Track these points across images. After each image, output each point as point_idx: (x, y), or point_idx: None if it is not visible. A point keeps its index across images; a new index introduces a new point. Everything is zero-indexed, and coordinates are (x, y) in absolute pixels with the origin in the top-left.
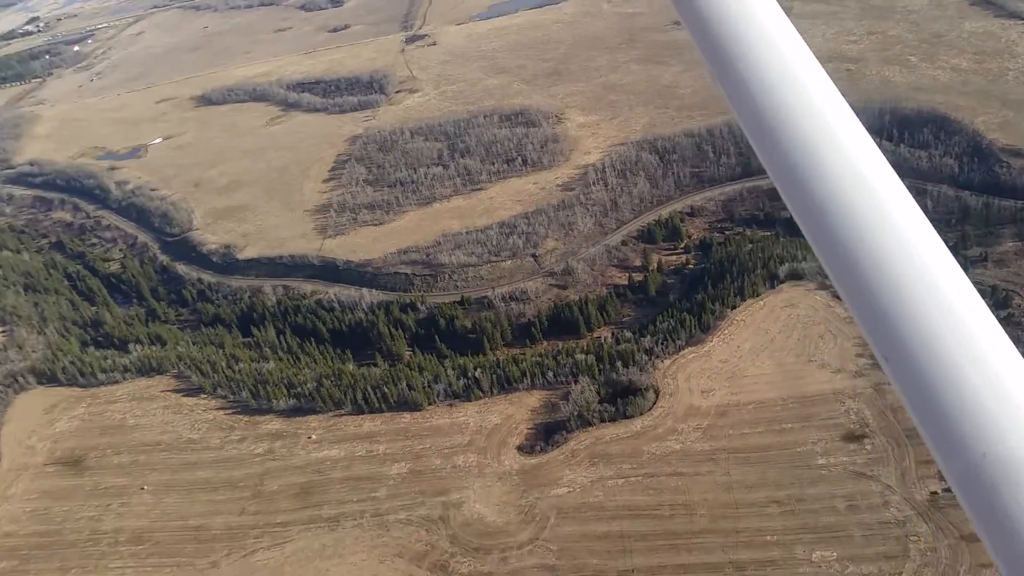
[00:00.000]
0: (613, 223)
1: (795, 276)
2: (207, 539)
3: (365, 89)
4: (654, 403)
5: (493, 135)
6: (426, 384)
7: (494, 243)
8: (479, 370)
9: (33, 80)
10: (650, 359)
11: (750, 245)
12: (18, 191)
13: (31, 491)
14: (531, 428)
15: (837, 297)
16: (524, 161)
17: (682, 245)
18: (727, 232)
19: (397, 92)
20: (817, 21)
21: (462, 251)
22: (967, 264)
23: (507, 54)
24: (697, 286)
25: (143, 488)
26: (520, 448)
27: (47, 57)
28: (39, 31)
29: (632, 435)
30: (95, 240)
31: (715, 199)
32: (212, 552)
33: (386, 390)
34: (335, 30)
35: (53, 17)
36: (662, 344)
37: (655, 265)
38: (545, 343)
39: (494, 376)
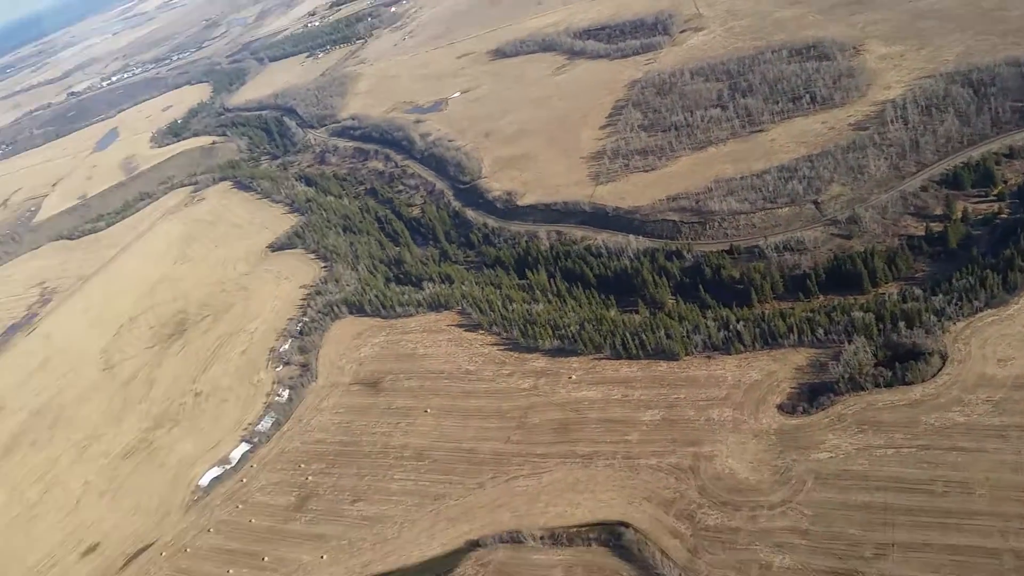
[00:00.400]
0: (912, 166)
1: None
2: (476, 462)
3: (648, 31)
4: (939, 370)
5: (779, 72)
6: (685, 334)
7: (770, 189)
8: (741, 323)
9: (357, 41)
10: (939, 321)
11: None
12: (342, 143)
13: (338, 406)
14: (794, 387)
15: None
16: (812, 99)
17: (995, 192)
18: None
19: (681, 32)
20: None
21: (734, 197)
22: None
23: None
24: (1009, 239)
25: (426, 411)
26: (781, 407)
27: (369, 19)
28: None
29: (909, 403)
30: (401, 187)
31: None
32: (480, 474)
33: (644, 337)
34: None
35: None
36: (956, 304)
37: (959, 214)
38: (821, 297)
39: (757, 330)
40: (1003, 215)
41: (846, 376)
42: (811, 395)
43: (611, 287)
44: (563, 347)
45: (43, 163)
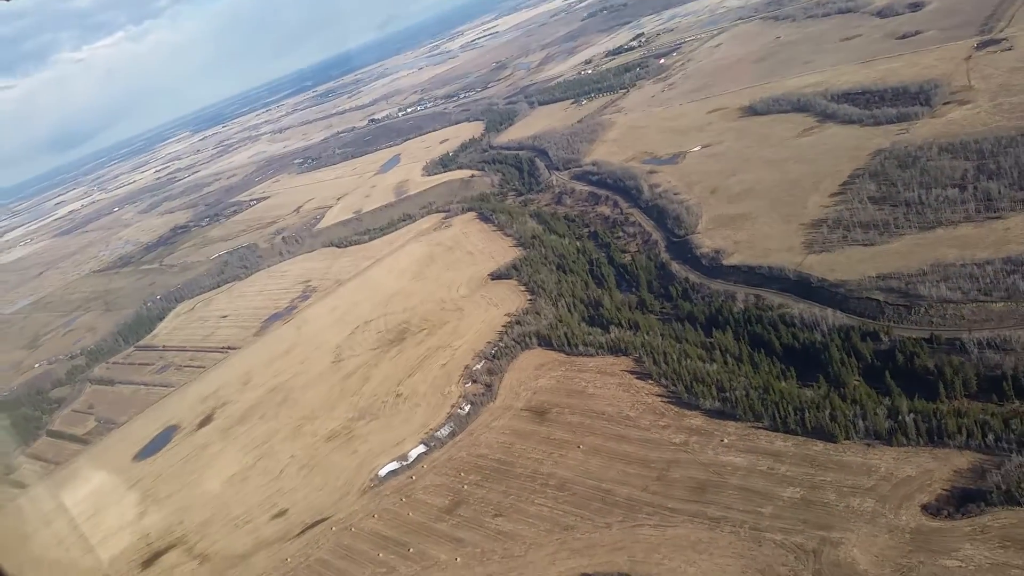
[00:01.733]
0: None
1: None
2: (610, 503)
3: (909, 100)
4: None
5: None
6: (850, 418)
7: (990, 280)
8: (912, 415)
9: (620, 91)
10: None
11: None
12: (579, 186)
13: (506, 427)
14: (946, 489)
15: None
16: None
17: None
18: None
19: (945, 104)
20: None
21: (947, 284)
22: None
23: None
24: None
25: (579, 446)
26: (925, 507)
27: (637, 69)
28: (640, 45)
29: None
30: (621, 233)
31: None
32: (610, 515)
33: (807, 414)
34: (904, 36)
35: (655, 32)
36: None
37: None
38: (1016, 403)
39: (926, 425)
40: None
41: (1003, 487)
42: (961, 500)
43: (796, 359)
44: (724, 409)
45: (335, 179)
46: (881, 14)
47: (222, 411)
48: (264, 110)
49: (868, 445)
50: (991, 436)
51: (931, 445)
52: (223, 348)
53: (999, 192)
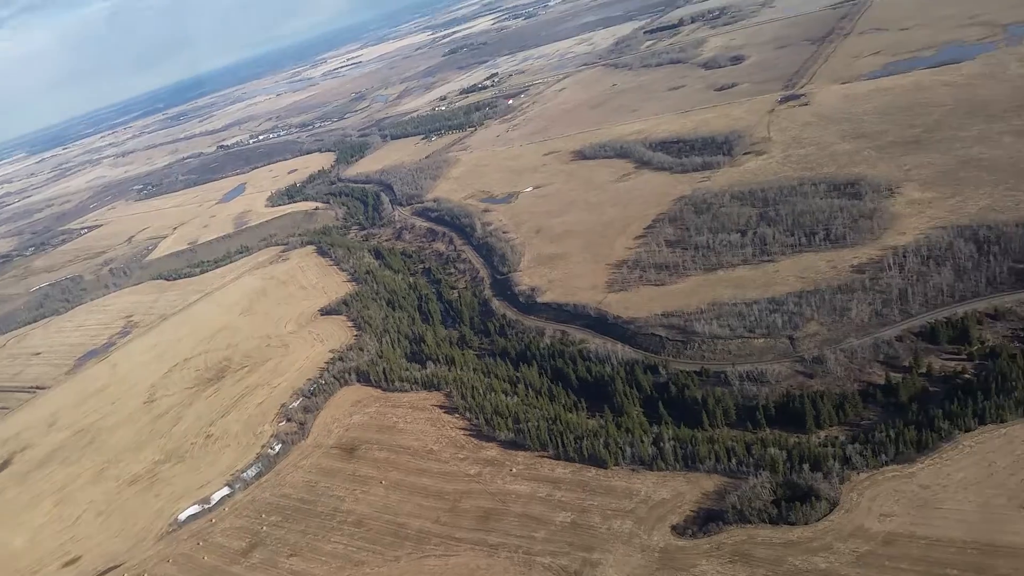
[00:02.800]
0: (896, 315)
1: None
2: (402, 536)
3: (715, 149)
4: (824, 515)
5: (809, 205)
6: (620, 445)
7: (755, 318)
8: (672, 441)
9: (468, 129)
10: (843, 468)
11: (1016, 363)
12: (419, 222)
13: (314, 466)
14: (694, 511)
15: None
16: (827, 236)
17: (969, 351)
18: None
19: (745, 154)
20: None
21: (719, 322)
22: None
23: (875, 117)
24: (955, 400)
25: (382, 482)
26: (674, 527)
27: (486, 109)
28: (493, 85)
29: (784, 543)
30: (453, 270)
31: None
32: (401, 548)
33: (585, 442)
34: (722, 88)
35: (508, 73)
36: (868, 455)
37: (924, 368)
38: (768, 431)
39: (682, 451)
40: (965, 375)
41: (738, 507)
42: (705, 520)
43: (589, 391)
44: (517, 440)
45: (175, 207)
46: (707, 66)
47: (22, 455)
48: (110, 132)
49: (633, 470)
50: (734, 460)
51: (686, 469)
52: (31, 387)
53: (774, 237)
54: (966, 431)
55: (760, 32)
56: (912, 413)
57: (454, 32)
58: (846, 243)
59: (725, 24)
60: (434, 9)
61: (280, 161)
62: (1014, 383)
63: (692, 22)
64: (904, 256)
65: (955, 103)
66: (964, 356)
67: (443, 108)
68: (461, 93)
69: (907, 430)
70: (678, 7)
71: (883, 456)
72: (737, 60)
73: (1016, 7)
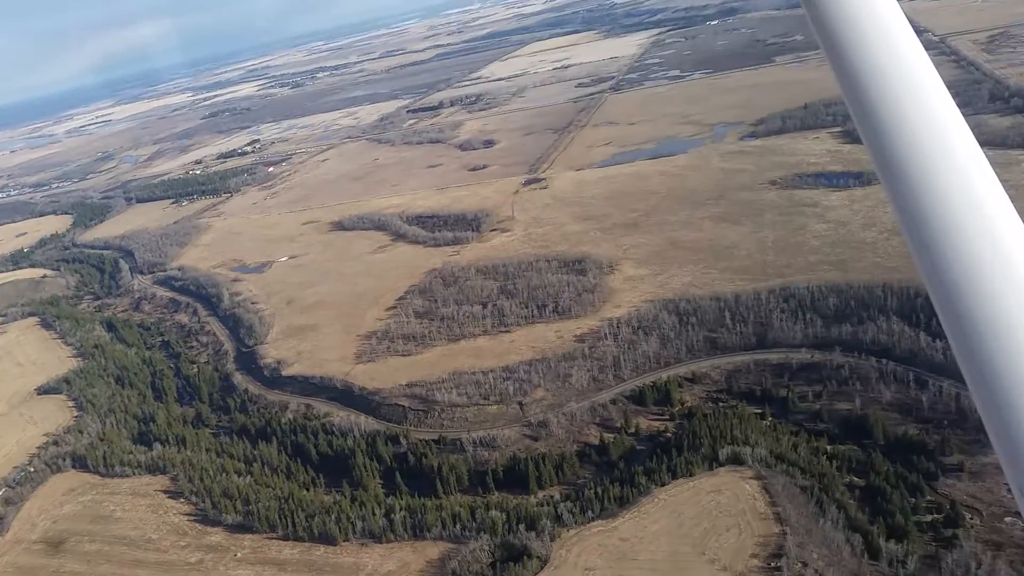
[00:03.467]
0: (611, 379)
1: (736, 460)
2: None
3: (466, 226)
4: (536, 573)
5: (543, 280)
6: (351, 520)
7: (490, 386)
8: (402, 512)
9: (224, 195)
10: (554, 526)
11: (706, 422)
12: (161, 291)
13: (11, 564)
14: None
15: (767, 490)
16: (556, 308)
17: (671, 411)
18: (720, 403)
19: (492, 230)
20: None
21: (458, 391)
22: (939, 470)
23: (602, 202)
24: (653, 457)
25: None
26: None
27: (245, 175)
28: (253, 151)
29: None
30: (195, 343)
31: (721, 368)
32: None
33: (316, 519)
34: (475, 169)
35: (270, 140)
36: (578, 512)
37: (631, 428)
38: (497, 494)
39: (411, 520)
40: (667, 433)
41: (457, 572)
42: None
43: (330, 466)
44: (245, 523)
45: None
46: (462, 147)
47: None
48: None
49: (363, 545)
50: (459, 526)
51: (415, 539)
52: None
53: (511, 309)
54: (661, 485)
55: (511, 119)
56: (619, 471)
57: (216, 95)
58: (571, 315)
59: (481, 109)
60: (197, 70)
61: (6, 224)
62: (702, 440)
63: (451, 105)
64: (618, 327)
65: (668, 191)
66: (667, 416)
67: (198, 172)
68: (219, 157)
69: (612, 486)
70: (439, 90)
71: (590, 512)
72: (490, 143)
73: (721, 110)
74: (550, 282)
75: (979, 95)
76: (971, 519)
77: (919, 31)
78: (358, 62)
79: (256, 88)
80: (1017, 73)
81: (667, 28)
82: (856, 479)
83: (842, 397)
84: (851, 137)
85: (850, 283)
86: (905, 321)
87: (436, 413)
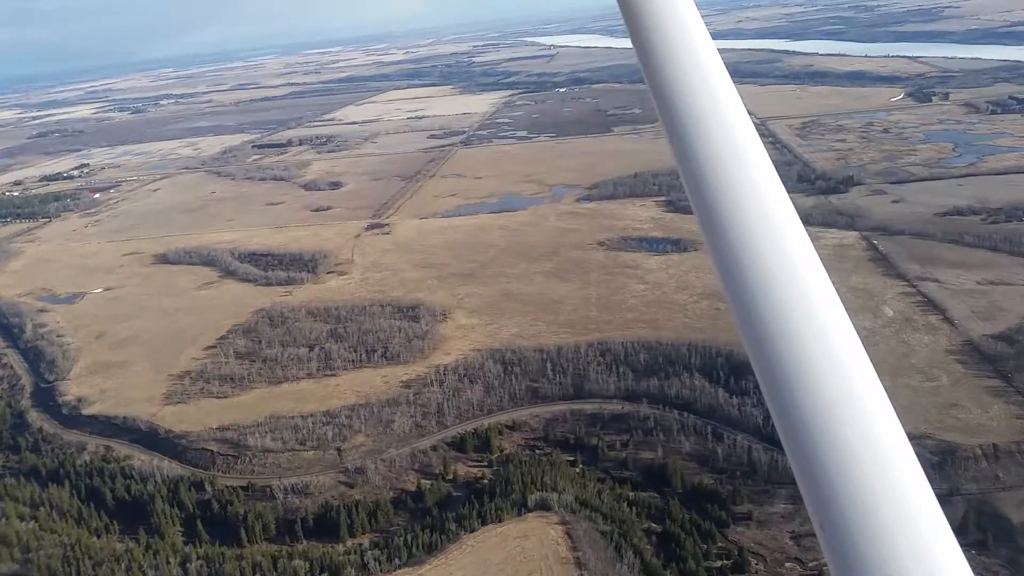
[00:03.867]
0: (434, 426)
1: (544, 506)
2: None
3: (302, 266)
4: None
5: (375, 324)
6: (143, 570)
7: (309, 430)
8: (200, 561)
9: (43, 219)
10: (358, 574)
11: (520, 469)
12: None
13: None
14: None
15: (570, 535)
16: (385, 353)
17: (489, 458)
18: (537, 451)
19: (328, 273)
20: None
21: (273, 435)
22: (730, 518)
23: (442, 251)
24: (466, 504)
25: None
26: None
27: (68, 200)
28: (81, 176)
29: None
30: None
31: (540, 416)
32: None
33: (104, 569)
34: (318, 210)
35: (101, 165)
36: (384, 560)
37: (450, 475)
38: (305, 543)
39: (210, 570)
40: (484, 480)
41: None
42: None
43: (127, 512)
44: (21, 571)
45: None
46: (307, 187)
47: None
48: None
49: None
50: (259, 575)
51: None
52: None
53: (338, 353)
54: (471, 531)
55: (360, 163)
56: (432, 517)
57: (48, 115)
58: (400, 361)
59: (330, 151)
60: (30, 87)
61: None
62: (514, 486)
63: (300, 144)
64: (445, 374)
65: (507, 244)
66: (485, 463)
67: (15, 194)
68: (42, 180)
69: (422, 533)
70: (290, 128)
71: (397, 560)
72: (336, 185)
73: (562, 173)
74: (382, 327)
75: (790, 175)
76: (756, 564)
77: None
78: (206, 92)
79: (93, 111)
80: (823, 158)
81: (519, 91)
82: (654, 525)
83: (647, 447)
84: (674, 206)
85: (660, 340)
86: (706, 378)
87: (247, 458)
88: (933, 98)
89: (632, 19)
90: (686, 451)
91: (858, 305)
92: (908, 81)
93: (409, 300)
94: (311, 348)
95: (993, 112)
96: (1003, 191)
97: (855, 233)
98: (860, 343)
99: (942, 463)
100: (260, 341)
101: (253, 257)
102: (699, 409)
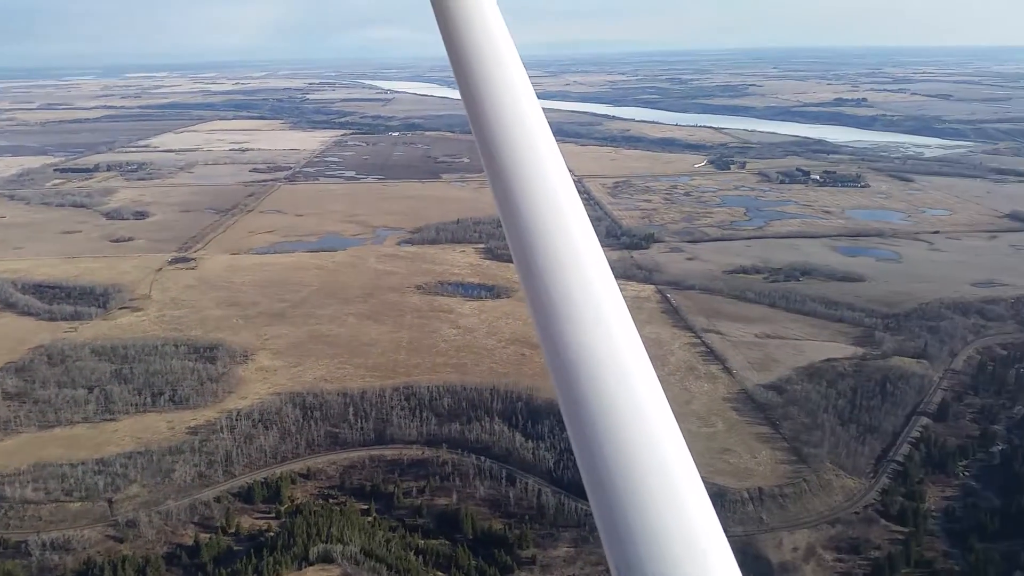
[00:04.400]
0: (220, 475)
1: (327, 559)
2: None
3: (92, 300)
4: None
5: (166, 365)
6: None
7: (78, 480)
8: None
9: None
10: None
11: (306, 520)
12: None
13: None
14: None
15: None
16: (173, 397)
17: (278, 509)
18: (331, 500)
19: (121, 308)
20: None
21: (35, 485)
22: (515, 564)
23: (252, 289)
24: (249, 557)
25: None
26: None
27: None
28: None
29: None
30: None
31: (338, 463)
32: None
33: None
34: (119, 240)
35: None
36: None
37: (232, 527)
38: None
39: None
40: (270, 532)
41: None
42: None
43: None
44: None
45: None
46: (110, 216)
47: None
48: None
49: None
50: None
51: None
52: None
53: (121, 395)
54: None
55: (172, 193)
56: (206, 574)
57: None
58: (189, 405)
59: (141, 179)
60: None
61: None
62: (297, 539)
63: (109, 170)
64: (238, 419)
65: (321, 284)
66: (273, 514)
67: None
68: None
69: None
70: (99, 152)
71: None
72: (141, 215)
73: (386, 215)
74: (173, 368)
75: (599, 230)
76: None
77: None
78: (9, 109)
79: None
80: (629, 215)
81: (352, 131)
82: (440, 573)
83: (443, 492)
84: (492, 253)
85: (465, 385)
86: (506, 422)
87: (2, 511)
88: (731, 166)
89: (462, 78)
90: (480, 496)
91: (649, 353)
92: (712, 150)
93: (208, 340)
94: (90, 390)
95: (782, 182)
96: (784, 253)
97: (652, 286)
98: (655, 375)
99: (712, 506)
100: (34, 381)
101: (39, 289)
102: (497, 453)
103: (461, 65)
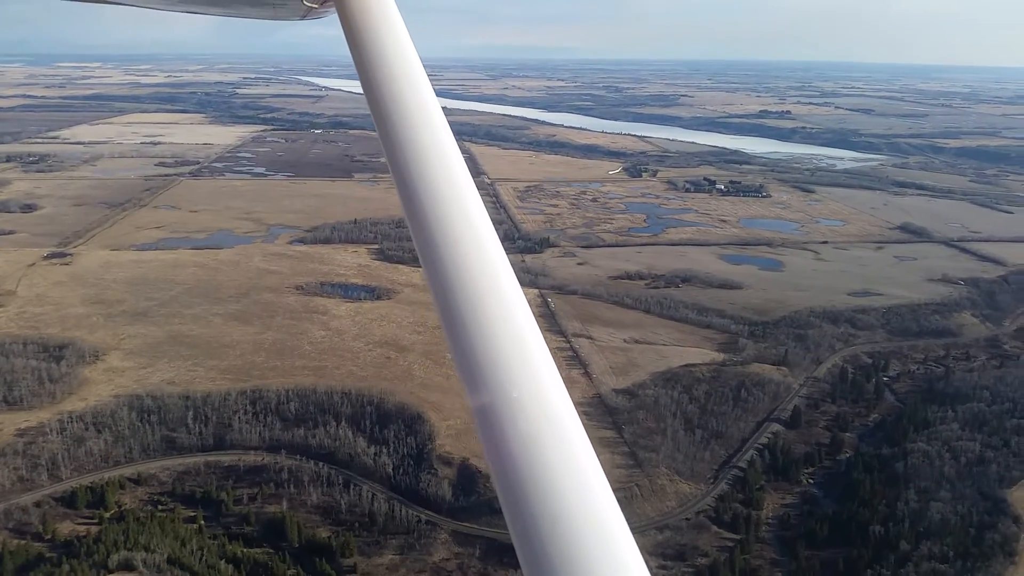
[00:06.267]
0: (44, 480)
1: (128, 567)
2: None
3: None
4: None
5: (8, 365)
6: None
7: None
8: None
9: None
10: None
11: (119, 527)
12: None
13: None
14: None
15: None
16: (7, 397)
17: (102, 515)
18: (159, 506)
19: None
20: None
21: None
22: (336, 572)
23: (121, 286)
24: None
25: None
26: None
27: None
28: None
29: None
30: None
31: (172, 469)
32: None
33: None
34: None
35: None
36: None
37: (48, 534)
38: None
39: None
40: (89, 539)
41: None
42: None
43: None
44: None
45: None
46: None
47: None
48: None
49: None
50: None
51: None
52: None
53: None
54: None
55: (68, 186)
56: None
57: None
58: (23, 406)
59: (40, 171)
60: None
61: None
62: (102, 545)
63: (8, 161)
64: (71, 421)
65: (196, 283)
66: (96, 520)
67: None
68: None
69: None
70: (3, 143)
71: None
72: (29, 208)
73: (285, 213)
74: (15, 367)
75: (498, 234)
76: None
77: (477, 173)
78: None
79: None
80: (532, 220)
81: (274, 127)
82: None
83: (275, 499)
84: (383, 255)
85: (317, 388)
86: (353, 427)
87: None
88: (644, 174)
89: (364, 72)
90: (313, 503)
91: None
92: (631, 157)
93: (60, 339)
94: None
95: (688, 190)
96: (672, 260)
97: (535, 290)
98: (557, 371)
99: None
100: None
101: None
102: (338, 459)
103: (363, 65)
